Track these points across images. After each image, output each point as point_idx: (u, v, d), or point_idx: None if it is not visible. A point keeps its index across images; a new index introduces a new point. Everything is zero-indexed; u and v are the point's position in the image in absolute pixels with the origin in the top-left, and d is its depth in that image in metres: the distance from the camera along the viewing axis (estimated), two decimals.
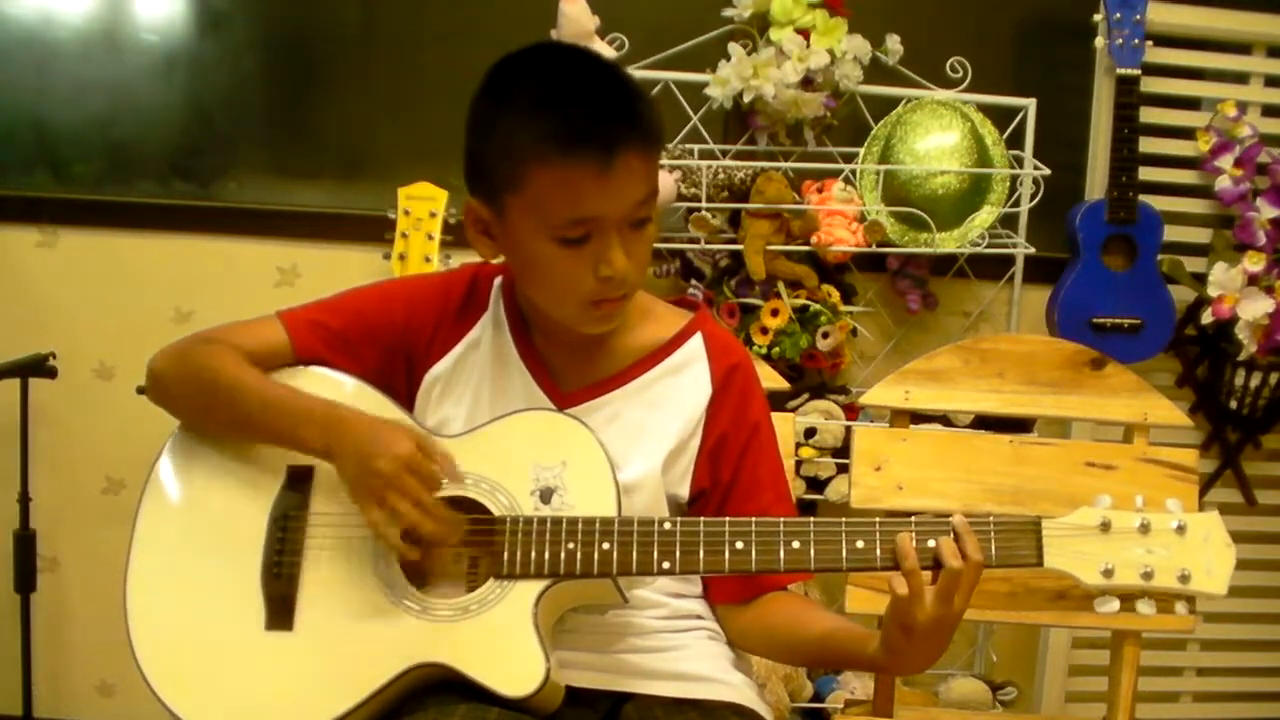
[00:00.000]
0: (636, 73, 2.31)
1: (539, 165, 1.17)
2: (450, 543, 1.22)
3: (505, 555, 1.21)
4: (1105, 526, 1.17)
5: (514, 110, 1.19)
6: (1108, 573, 1.16)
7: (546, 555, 1.20)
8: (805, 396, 2.39)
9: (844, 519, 1.20)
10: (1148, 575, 1.16)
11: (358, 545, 1.25)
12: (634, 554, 1.20)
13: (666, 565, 1.20)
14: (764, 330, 2.32)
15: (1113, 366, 1.82)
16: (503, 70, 1.23)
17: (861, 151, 2.39)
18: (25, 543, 2.34)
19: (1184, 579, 1.16)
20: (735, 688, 1.30)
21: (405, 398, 1.35)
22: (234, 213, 2.50)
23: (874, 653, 1.20)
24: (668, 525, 1.20)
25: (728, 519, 1.22)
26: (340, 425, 1.23)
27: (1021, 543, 1.18)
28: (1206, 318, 2.45)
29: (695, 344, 1.35)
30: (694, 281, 2.39)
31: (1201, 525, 1.17)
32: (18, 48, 2.45)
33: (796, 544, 1.19)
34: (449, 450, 1.24)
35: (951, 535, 1.16)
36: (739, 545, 1.20)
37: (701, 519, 1.22)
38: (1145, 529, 1.17)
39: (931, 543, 1.16)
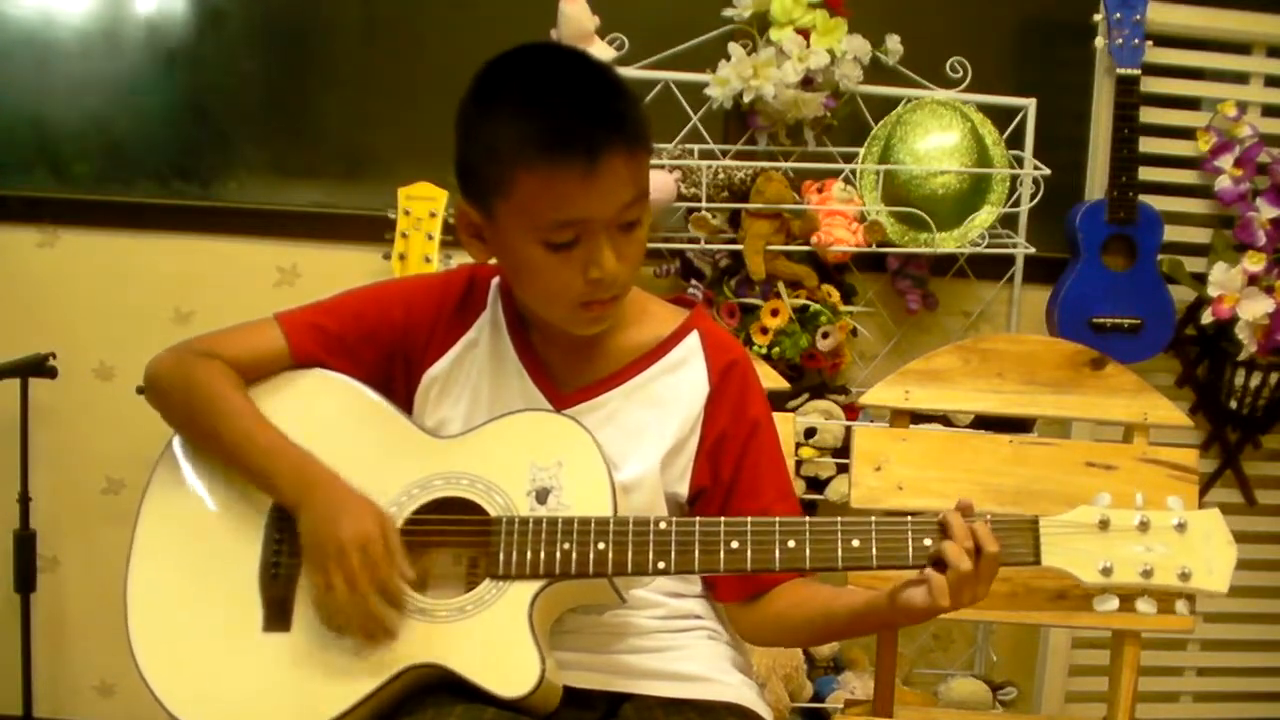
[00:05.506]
0: (636, 73, 2.31)
1: (523, 169, 1.17)
2: (373, 636, 1.20)
3: (501, 556, 1.21)
4: (1104, 524, 1.16)
5: (498, 114, 1.19)
6: (1106, 571, 1.15)
7: (542, 555, 1.20)
8: (805, 396, 2.39)
9: (839, 518, 1.19)
10: (1147, 573, 1.15)
11: None
12: (629, 554, 1.19)
13: (662, 565, 1.20)
14: (764, 330, 2.32)
15: (1113, 366, 1.82)
16: (488, 73, 1.23)
17: (861, 151, 2.39)
18: (25, 543, 2.34)
19: (1184, 577, 1.15)
20: (734, 687, 1.30)
21: (403, 399, 1.35)
22: (234, 212, 2.50)
23: (882, 613, 1.21)
24: (663, 525, 1.20)
25: (723, 519, 1.21)
26: (312, 486, 1.23)
27: (1019, 541, 1.17)
28: (1206, 318, 2.45)
29: (692, 341, 1.35)
30: (694, 281, 2.38)
31: (1202, 522, 1.17)
32: (18, 47, 2.45)
33: (792, 543, 1.19)
34: (403, 551, 1.21)
35: (943, 534, 1.17)
36: (734, 545, 1.20)
37: (697, 519, 1.21)
38: (1145, 527, 1.16)
39: (928, 542, 1.17)
